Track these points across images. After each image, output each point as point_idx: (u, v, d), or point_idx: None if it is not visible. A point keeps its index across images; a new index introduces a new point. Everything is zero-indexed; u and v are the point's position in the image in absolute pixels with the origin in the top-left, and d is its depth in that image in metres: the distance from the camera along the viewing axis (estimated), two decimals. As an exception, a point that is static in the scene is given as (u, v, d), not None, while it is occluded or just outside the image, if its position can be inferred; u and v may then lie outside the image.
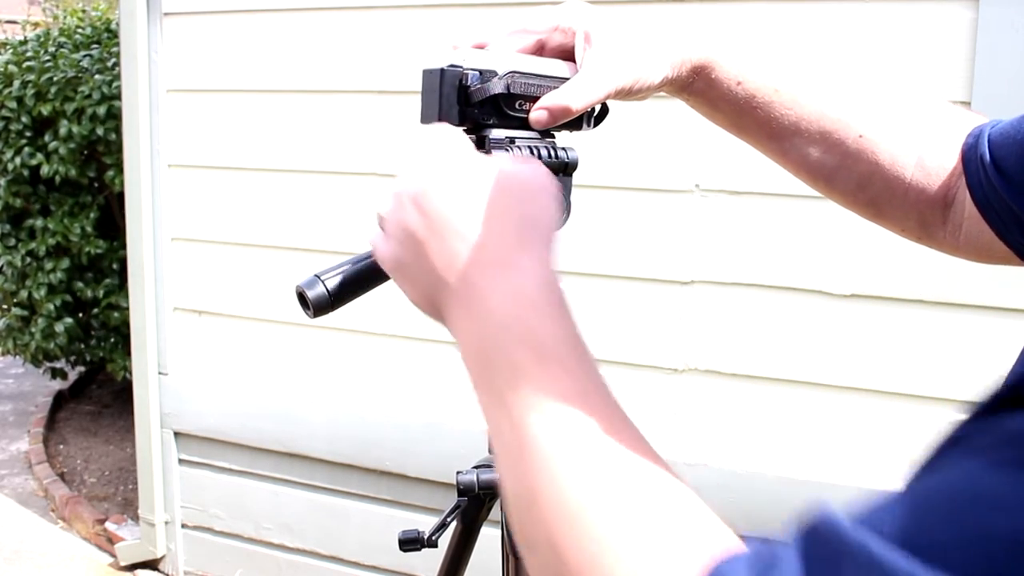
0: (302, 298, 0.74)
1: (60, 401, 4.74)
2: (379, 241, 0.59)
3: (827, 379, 2.04)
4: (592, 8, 0.76)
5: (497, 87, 0.89)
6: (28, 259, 3.85)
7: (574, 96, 0.72)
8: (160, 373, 2.81)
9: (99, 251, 3.82)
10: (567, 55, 0.77)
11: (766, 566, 0.36)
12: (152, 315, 2.78)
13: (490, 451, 1.07)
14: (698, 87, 0.74)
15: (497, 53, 0.85)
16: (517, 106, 0.92)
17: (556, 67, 0.87)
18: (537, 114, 0.73)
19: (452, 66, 0.89)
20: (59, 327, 3.83)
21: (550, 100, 0.73)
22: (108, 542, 3.21)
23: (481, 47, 0.82)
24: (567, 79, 0.94)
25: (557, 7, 0.78)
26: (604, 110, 0.97)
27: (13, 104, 3.74)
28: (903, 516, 0.34)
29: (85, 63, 3.80)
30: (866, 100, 0.74)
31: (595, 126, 0.98)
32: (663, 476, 0.43)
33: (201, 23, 2.65)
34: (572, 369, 0.47)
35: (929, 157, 0.70)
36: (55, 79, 3.70)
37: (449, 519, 1.07)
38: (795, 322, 2.05)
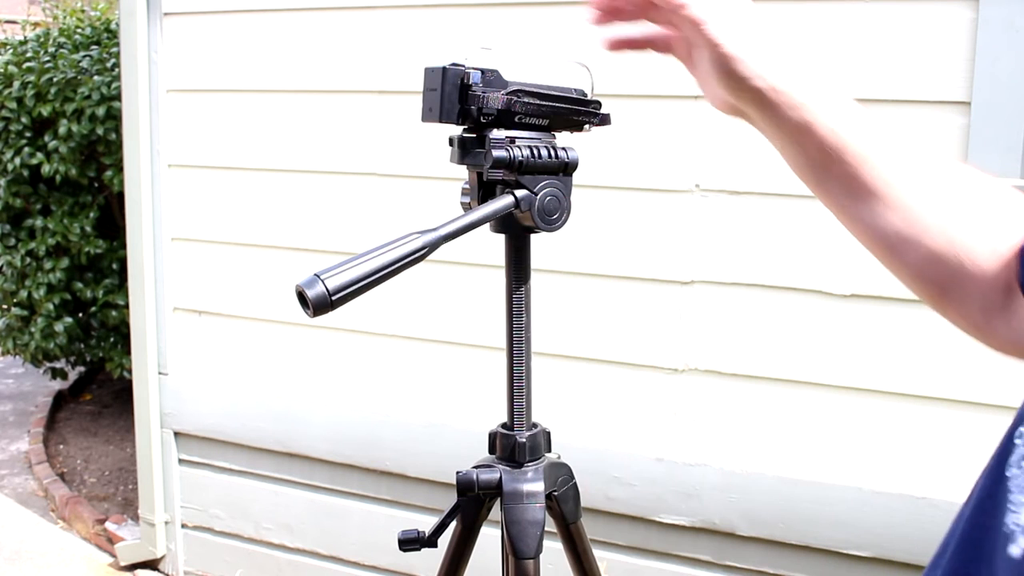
0: (302, 297, 0.74)
1: (60, 401, 4.74)
2: None
3: (827, 379, 2.04)
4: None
5: (498, 103, 0.89)
6: (28, 259, 3.85)
7: None
8: (160, 373, 2.81)
9: (99, 251, 3.82)
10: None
11: None
12: (152, 315, 2.78)
13: (490, 451, 1.07)
14: (787, 126, 0.68)
15: (503, 55, 0.85)
16: (516, 120, 0.92)
17: (564, 82, 0.88)
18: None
19: (454, 64, 0.89)
20: (59, 327, 3.84)
21: None
22: (108, 542, 3.21)
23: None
24: (572, 98, 0.94)
25: None
26: (607, 116, 0.97)
27: (13, 104, 3.74)
28: None
29: (85, 63, 3.80)
30: (947, 171, 0.68)
31: (599, 125, 0.98)
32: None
33: (201, 23, 2.65)
34: None
35: (1002, 241, 0.65)
36: (55, 79, 3.70)
37: (449, 519, 1.07)
38: (795, 322, 2.05)
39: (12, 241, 3.90)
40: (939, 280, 0.67)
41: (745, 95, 0.67)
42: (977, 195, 0.67)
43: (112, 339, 3.96)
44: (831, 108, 0.66)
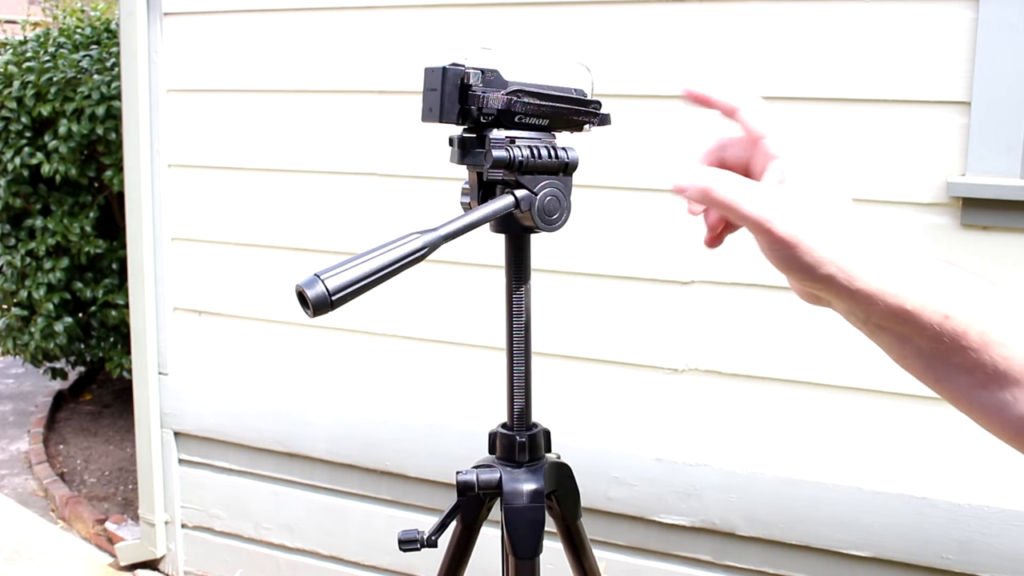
0: (302, 297, 0.74)
1: (60, 401, 4.74)
2: None
3: (827, 379, 2.04)
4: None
5: (498, 103, 0.88)
6: (28, 259, 3.85)
7: (725, 190, 0.58)
8: (160, 373, 2.81)
9: (99, 251, 3.82)
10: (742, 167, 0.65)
11: None
12: (152, 315, 2.78)
13: (490, 451, 1.07)
14: (881, 319, 0.58)
15: (503, 55, 0.85)
16: (516, 120, 0.91)
17: (564, 82, 0.87)
18: (678, 182, 0.60)
19: (454, 64, 0.89)
20: (59, 327, 3.84)
21: (703, 179, 0.59)
22: (108, 542, 3.21)
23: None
24: (572, 98, 0.94)
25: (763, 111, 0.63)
26: (607, 117, 0.97)
27: (13, 104, 3.74)
28: None
29: (85, 63, 3.80)
30: None
31: (599, 125, 0.98)
32: None
33: (201, 23, 2.65)
34: None
35: None
36: (55, 79, 3.70)
37: (449, 519, 1.07)
38: (795, 322, 2.05)
39: (12, 241, 3.90)
40: None
41: (820, 285, 0.58)
42: None
43: (112, 339, 3.96)
44: (938, 289, 0.56)
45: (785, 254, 0.57)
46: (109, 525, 3.27)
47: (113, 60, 3.81)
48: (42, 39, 3.99)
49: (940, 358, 0.57)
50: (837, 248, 0.56)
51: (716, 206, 0.59)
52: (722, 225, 0.67)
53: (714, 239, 0.68)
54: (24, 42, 4.00)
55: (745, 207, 0.58)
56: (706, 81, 0.65)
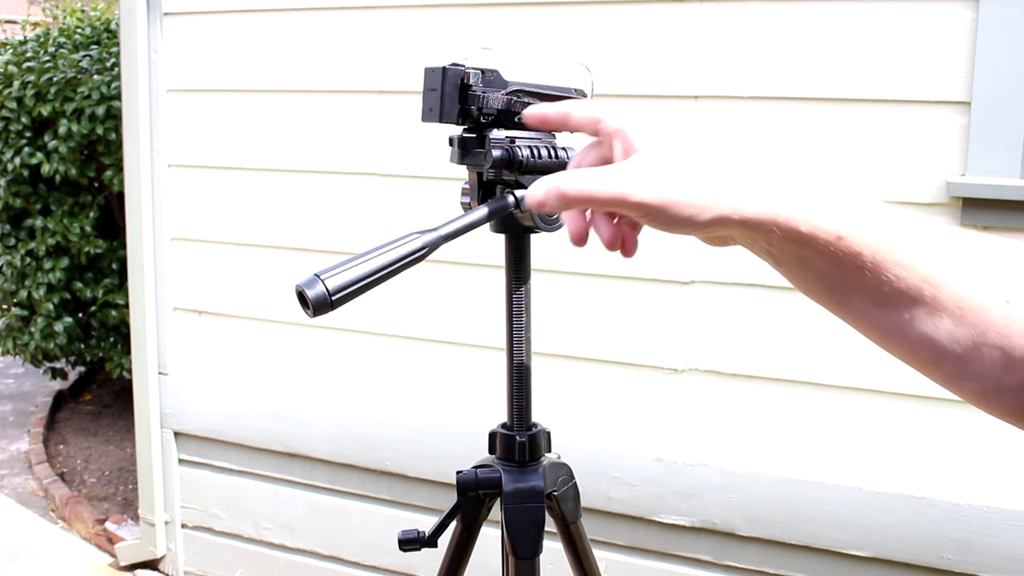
0: (302, 297, 0.74)
1: (60, 401, 4.74)
2: None
3: (827, 379, 2.04)
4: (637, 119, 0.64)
5: (498, 103, 0.88)
6: (28, 259, 3.85)
7: (574, 184, 0.59)
8: (160, 373, 2.81)
9: (99, 251, 3.82)
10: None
11: None
12: (152, 315, 2.78)
13: (490, 451, 1.07)
14: (780, 245, 0.58)
15: (503, 55, 0.85)
16: (516, 120, 0.91)
17: (564, 82, 0.87)
18: (531, 195, 0.61)
19: (454, 64, 0.89)
20: (59, 327, 3.84)
21: (552, 182, 0.60)
22: (108, 542, 3.21)
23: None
24: (573, 97, 0.93)
25: (598, 103, 0.66)
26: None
27: (13, 104, 3.74)
28: None
29: (85, 63, 3.80)
30: (1012, 257, 0.55)
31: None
32: None
33: (201, 23, 2.65)
34: None
35: None
36: (55, 79, 3.70)
37: (449, 519, 1.07)
38: (795, 322, 2.05)
39: (12, 241, 3.90)
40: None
41: (712, 229, 0.59)
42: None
43: (112, 339, 3.96)
44: (832, 210, 0.56)
45: (662, 217, 0.58)
46: (109, 525, 3.27)
47: (113, 60, 3.81)
48: (42, 39, 3.99)
49: (839, 282, 0.57)
50: (714, 189, 0.57)
51: (575, 203, 0.60)
52: (620, 234, 0.67)
53: (619, 245, 0.68)
54: (24, 42, 4.00)
55: (598, 190, 0.58)
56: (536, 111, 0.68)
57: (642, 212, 0.59)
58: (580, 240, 0.67)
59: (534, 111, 0.68)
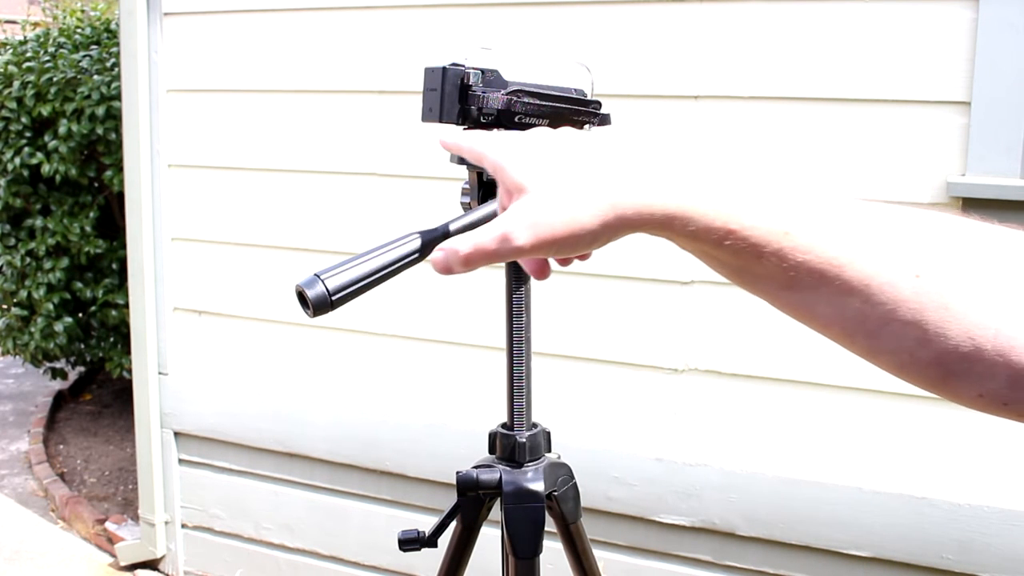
0: (302, 297, 0.74)
1: (60, 401, 4.74)
2: None
3: (827, 379, 2.04)
4: (505, 137, 0.64)
5: (498, 103, 0.88)
6: (28, 259, 3.85)
7: (473, 247, 0.59)
8: (160, 373, 2.81)
9: (99, 251, 3.82)
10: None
11: None
12: (152, 315, 2.78)
13: (490, 451, 1.07)
14: (678, 241, 0.58)
15: (503, 55, 0.85)
16: (516, 120, 0.91)
17: (563, 82, 0.87)
18: (435, 257, 0.61)
19: (454, 64, 0.89)
20: (59, 327, 3.84)
21: (452, 246, 0.60)
22: (108, 542, 3.21)
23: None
24: (572, 98, 0.93)
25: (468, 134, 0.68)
26: (607, 117, 0.97)
27: (13, 104, 3.74)
28: None
29: (85, 63, 3.80)
30: (922, 230, 0.55)
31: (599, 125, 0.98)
32: None
33: (201, 23, 2.65)
34: None
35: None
36: (55, 79, 3.70)
37: (449, 519, 1.07)
38: (795, 322, 2.04)
39: (12, 241, 3.90)
40: (940, 360, 0.53)
41: (611, 234, 0.58)
42: (974, 242, 0.56)
43: (112, 339, 3.96)
44: (725, 198, 0.55)
45: (556, 252, 0.58)
46: (109, 525, 3.27)
47: (113, 60, 3.81)
48: (42, 39, 3.99)
49: (743, 269, 0.57)
50: (595, 205, 0.56)
51: (474, 265, 0.60)
52: (541, 264, 0.71)
53: (545, 274, 0.71)
54: (24, 42, 4.00)
55: (487, 247, 0.59)
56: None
57: (535, 254, 0.59)
58: (536, 276, 0.71)
59: (447, 140, 0.70)
